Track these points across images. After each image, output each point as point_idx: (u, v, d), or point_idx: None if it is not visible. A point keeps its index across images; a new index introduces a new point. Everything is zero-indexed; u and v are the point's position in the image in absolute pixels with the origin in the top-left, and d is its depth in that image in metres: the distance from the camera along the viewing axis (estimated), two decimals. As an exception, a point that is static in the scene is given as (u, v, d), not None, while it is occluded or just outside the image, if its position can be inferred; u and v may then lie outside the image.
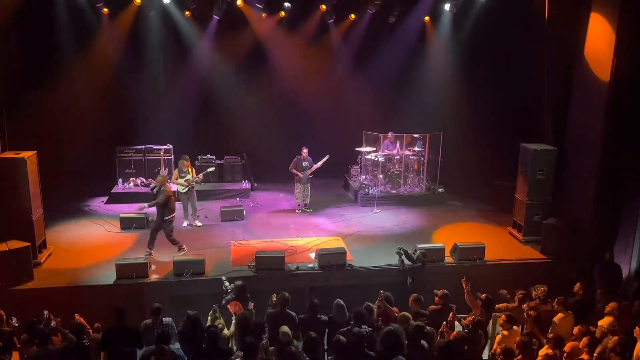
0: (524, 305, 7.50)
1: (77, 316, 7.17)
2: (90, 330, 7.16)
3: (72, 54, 13.25)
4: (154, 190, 9.84)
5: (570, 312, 7.36)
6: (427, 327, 6.77)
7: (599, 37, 10.06)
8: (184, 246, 9.97)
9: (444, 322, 6.83)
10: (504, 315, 7.03)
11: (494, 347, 6.70)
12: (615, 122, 9.82)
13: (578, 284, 8.05)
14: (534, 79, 11.98)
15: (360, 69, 14.98)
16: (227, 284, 8.30)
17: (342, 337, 6.33)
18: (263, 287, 8.63)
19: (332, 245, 10.29)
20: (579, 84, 10.64)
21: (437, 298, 7.71)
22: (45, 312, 7.14)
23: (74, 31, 13.00)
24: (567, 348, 6.37)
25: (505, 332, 6.87)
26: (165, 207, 9.69)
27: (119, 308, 6.96)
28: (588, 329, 6.77)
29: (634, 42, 9.52)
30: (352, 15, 14.18)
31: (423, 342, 6.48)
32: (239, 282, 8.05)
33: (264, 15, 13.65)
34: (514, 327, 6.88)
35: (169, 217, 9.77)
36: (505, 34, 13.39)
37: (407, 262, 9.03)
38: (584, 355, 6.33)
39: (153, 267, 9.39)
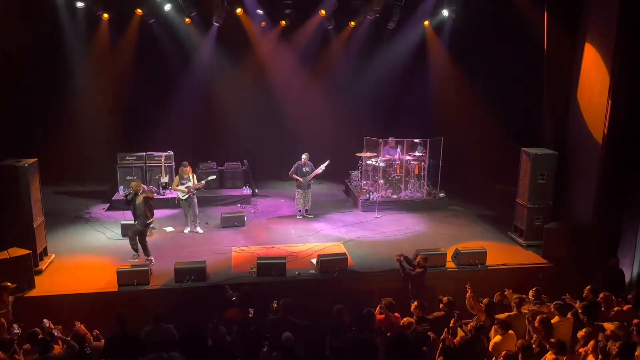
0: (523, 309, 7.46)
1: (78, 324, 7.16)
2: (92, 338, 7.14)
3: (74, 61, 13.30)
4: (128, 197, 9.67)
5: (568, 317, 7.32)
6: (430, 333, 6.76)
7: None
8: (141, 255, 9.77)
9: (446, 329, 6.80)
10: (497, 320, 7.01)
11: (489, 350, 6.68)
12: (616, 124, 9.83)
13: (588, 287, 7.93)
14: (534, 82, 11.99)
15: (361, 74, 15.02)
16: (230, 292, 8.26)
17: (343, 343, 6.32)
18: (264, 293, 8.61)
19: (333, 251, 10.27)
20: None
21: (441, 305, 7.67)
22: (45, 321, 7.12)
23: (77, 38, 13.06)
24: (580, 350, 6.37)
25: (499, 337, 6.83)
26: (148, 209, 9.61)
27: (120, 315, 6.96)
28: (590, 332, 6.74)
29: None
30: (352, 22, 14.23)
31: (426, 348, 6.46)
32: (246, 288, 8.04)
33: (263, 23, 13.70)
34: (510, 331, 6.85)
35: (149, 220, 9.71)
36: (505, 37, 13.41)
37: (408, 267, 9.01)
38: (590, 358, 6.30)
39: (153, 271, 9.38)
